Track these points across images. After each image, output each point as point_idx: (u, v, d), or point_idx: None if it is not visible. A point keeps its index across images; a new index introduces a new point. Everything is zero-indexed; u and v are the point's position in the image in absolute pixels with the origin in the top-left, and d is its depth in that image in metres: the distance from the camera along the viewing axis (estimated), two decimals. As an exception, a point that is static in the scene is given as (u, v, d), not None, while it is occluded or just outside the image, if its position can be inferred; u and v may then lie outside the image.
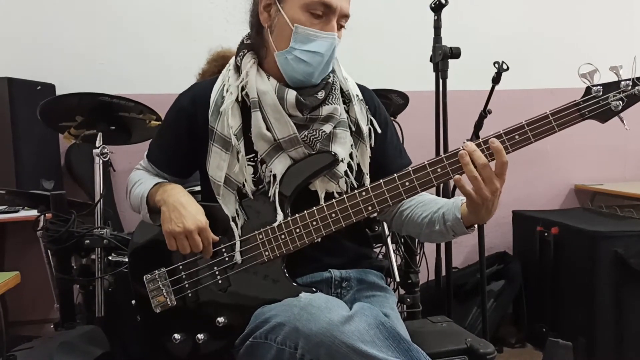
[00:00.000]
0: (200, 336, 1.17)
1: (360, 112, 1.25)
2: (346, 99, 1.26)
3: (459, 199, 1.13)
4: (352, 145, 1.23)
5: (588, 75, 1.04)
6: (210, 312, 1.17)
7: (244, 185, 1.19)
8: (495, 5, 2.98)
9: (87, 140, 1.85)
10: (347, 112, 1.25)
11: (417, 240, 2.09)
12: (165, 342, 1.20)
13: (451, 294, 2.24)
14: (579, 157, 3.09)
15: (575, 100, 1.05)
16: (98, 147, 1.79)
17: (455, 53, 2.07)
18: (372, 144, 1.26)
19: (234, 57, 1.25)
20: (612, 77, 1.04)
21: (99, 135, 1.80)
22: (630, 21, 3.10)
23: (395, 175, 1.11)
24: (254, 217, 1.19)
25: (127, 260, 1.51)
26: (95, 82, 2.54)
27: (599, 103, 1.03)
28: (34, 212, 2.01)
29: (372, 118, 1.27)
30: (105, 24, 2.64)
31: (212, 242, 1.17)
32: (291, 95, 1.15)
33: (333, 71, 1.24)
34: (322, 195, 1.18)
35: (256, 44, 1.23)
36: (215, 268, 1.18)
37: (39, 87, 2.43)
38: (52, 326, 1.80)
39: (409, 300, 2.03)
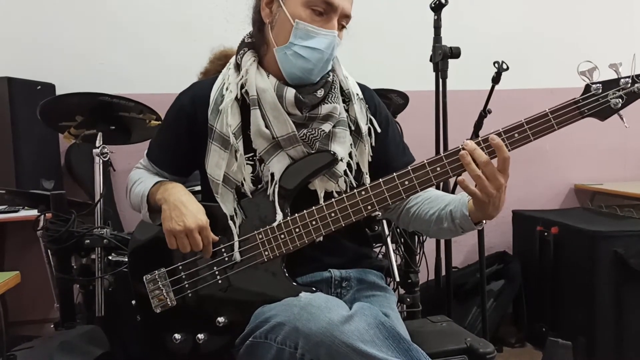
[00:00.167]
0: (200, 336, 1.17)
1: (360, 111, 1.25)
2: (346, 98, 1.26)
3: (466, 195, 1.13)
4: (351, 145, 1.23)
5: (587, 73, 1.04)
6: (210, 312, 1.17)
7: (242, 184, 1.19)
8: (495, 5, 2.99)
9: (87, 140, 1.85)
10: (347, 111, 1.25)
11: (417, 240, 2.09)
12: (166, 342, 1.20)
13: (451, 293, 2.24)
14: (579, 156, 3.10)
15: (575, 98, 1.04)
16: (98, 147, 1.79)
17: (455, 53, 2.08)
18: (373, 143, 1.26)
19: (234, 56, 1.25)
20: (611, 75, 1.04)
21: (99, 135, 1.80)
22: (630, 21, 3.10)
23: (394, 174, 1.11)
24: (253, 216, 1.19)
25: (127, 260, 1.51)
26: (95, 82, 2.55)
27: (599, 101, 1.03)
28: (34, 212, 2.02)
29: (371, 117, 1.27)
30: (105, 24, 2.65)
31: (212, 241, 1.17)
32: (290, 93, 1.15)
33: (333, 70, 1.24)
34: (321, 195, 1.18)
35: (257, 42, 1.23)
36: (215, 268, 1.18)
37: (39, 87, 2.44)
38: (52, 326, 1.80)
39: (408, 300, 2.03)
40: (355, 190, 1.13)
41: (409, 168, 1.10)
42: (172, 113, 1.29)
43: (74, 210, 1.68)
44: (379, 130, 1.27)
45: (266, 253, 1.16)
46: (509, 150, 1.04)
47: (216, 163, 1.18)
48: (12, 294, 1.90)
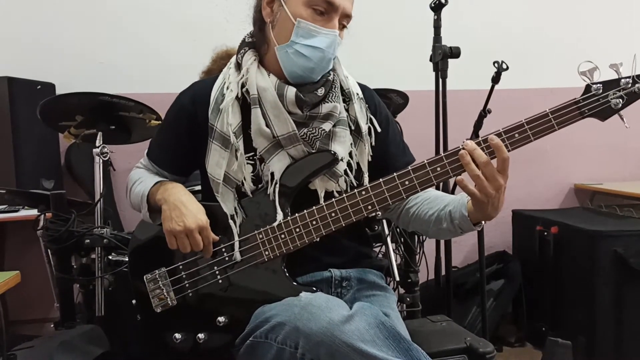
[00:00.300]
0: (200, 336, 1.17)
1: (360, 110, 1.25)
2: (346, 98, 1.26)
3: (465, 196, 1.13)
4: (351, 144, 1.24)
5: (588, 73, 1.04)
6: (211, 311, 1.17)
7: (242, 183, 1.19)
8: (495, 5, 2.98)
9: (87, 139, 1.85)
10: (347, 110, 1.25)
11: (416, 239, 2.09)
12: (166, 341, 1.20)
13: (451, 293, 2.24)
14: (579, 156, 3.10)
15: (575, 98, 1.04)
16: (98, 147, 1.79)
17: (455, 53, 2.08)
18: (373, 143, 1.26)
19: (235, 55, 1.25)
20: (612, 75, 1.04)
21: (99, 134, 1.80)
22: (630, 21, 3.10)
23: (394, 174, 1.11)
24: (253, 215, 1.19)
25: (127, 259, 1.51)
26: (95, 81, 2.55)
27: (599, 101, 1.03)
28: (34, 212, 2.02)
29: (372, 117, 1.27)
30: (105, 24, 2.65)
31: (212, 241, 1.17)
32: (291, 92, 1.15)
33: (333, 70, 1.25)
34: (321, 194, 1.18)
35: (258, 41, 1.23)
36: (216, 268, 1.18)
37: (39, 87, 2.44)
38: (52, 325, 1.80)
39: (408, 299, 2.03)
40: (355, 190, 1.13)
41: (409, 168, 1.10)
42: (172, 112, 1.29)
43: (74, 210, 1.68)
44: (379, 129, 1.27)
45: (266, 253, 1.16)
46: (509, 151, 1.04)
47: (216, 162, 1.18)
48: (12, 294, 1.89)
